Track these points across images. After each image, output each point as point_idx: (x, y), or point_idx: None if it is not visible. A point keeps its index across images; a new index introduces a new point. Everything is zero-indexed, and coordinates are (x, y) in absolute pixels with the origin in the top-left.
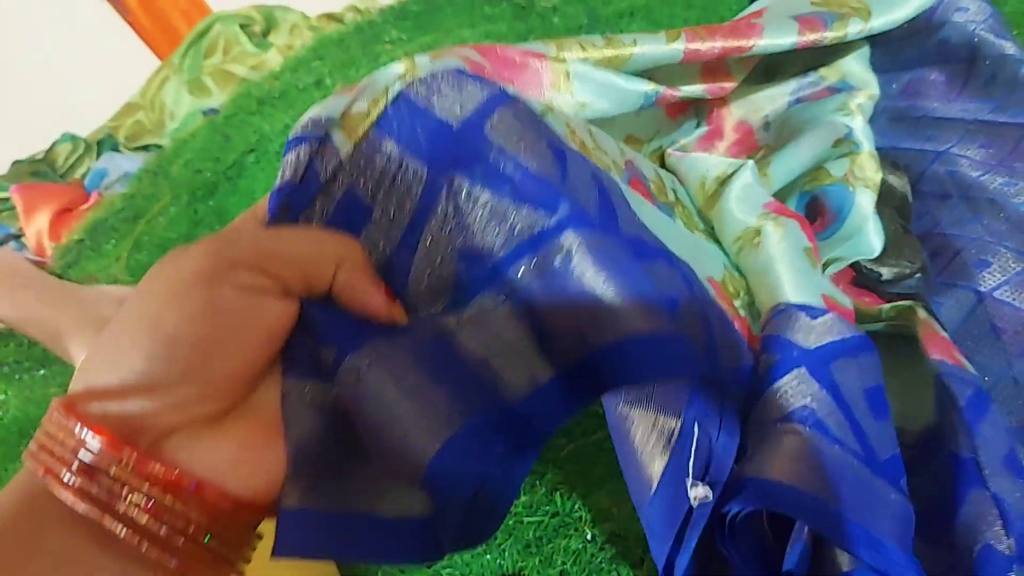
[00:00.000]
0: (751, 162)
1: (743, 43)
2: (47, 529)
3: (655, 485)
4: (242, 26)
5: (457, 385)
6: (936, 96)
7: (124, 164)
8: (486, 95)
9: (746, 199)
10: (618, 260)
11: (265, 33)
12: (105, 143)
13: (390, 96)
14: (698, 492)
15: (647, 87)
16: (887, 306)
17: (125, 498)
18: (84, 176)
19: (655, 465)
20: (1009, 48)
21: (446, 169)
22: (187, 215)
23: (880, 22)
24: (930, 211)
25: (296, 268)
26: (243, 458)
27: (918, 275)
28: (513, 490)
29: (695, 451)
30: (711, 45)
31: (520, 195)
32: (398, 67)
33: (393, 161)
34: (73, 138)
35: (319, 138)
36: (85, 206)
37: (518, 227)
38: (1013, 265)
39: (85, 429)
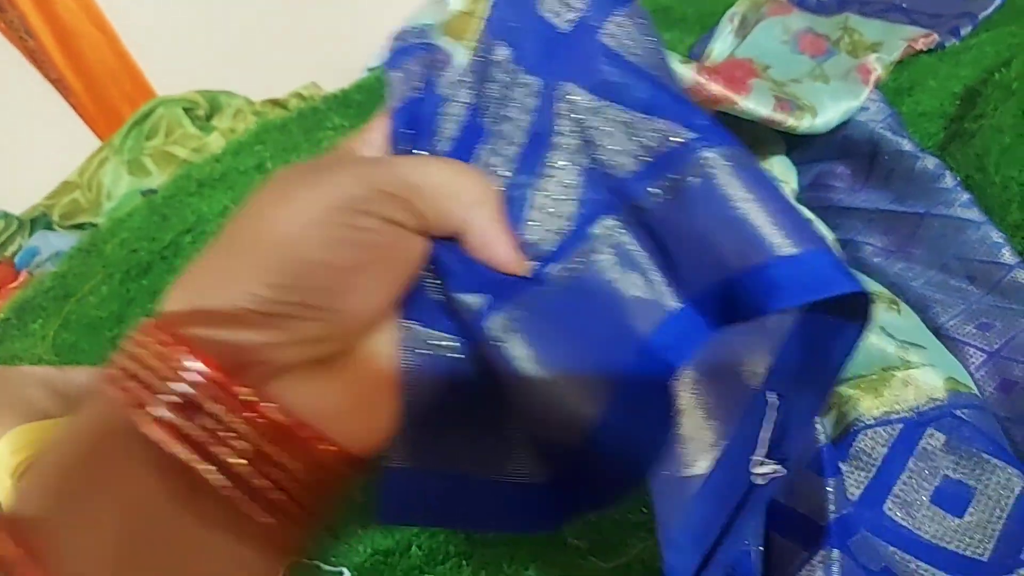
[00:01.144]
0: None
1: (733, 96)
2: (123, 472)
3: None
4: (186, 110)
5: (599, 330)
6: (842, 188)
7: (56, 242)
8: None
9: None
10: (764, 182)
11: (208, 117)
12: (39, 221)
13: None
14: (767, 468)
15: None
16: None
17: (224, 442)
18: (14, 254)
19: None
20: (905, 145)
21: (558, 78)
22: (119, 294)
23: (820, 122)
24: None
25: (438, 204)
26: (356, 408)
27: None
28: (657, 446)
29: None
30: (713, 85)
31: (651, 108)
32: None
33: (507, 72)
34: (5, 215)
35: (424, 47)
36: (13, 284)
37: (649, 143)
38: None
39: (188, 356)
